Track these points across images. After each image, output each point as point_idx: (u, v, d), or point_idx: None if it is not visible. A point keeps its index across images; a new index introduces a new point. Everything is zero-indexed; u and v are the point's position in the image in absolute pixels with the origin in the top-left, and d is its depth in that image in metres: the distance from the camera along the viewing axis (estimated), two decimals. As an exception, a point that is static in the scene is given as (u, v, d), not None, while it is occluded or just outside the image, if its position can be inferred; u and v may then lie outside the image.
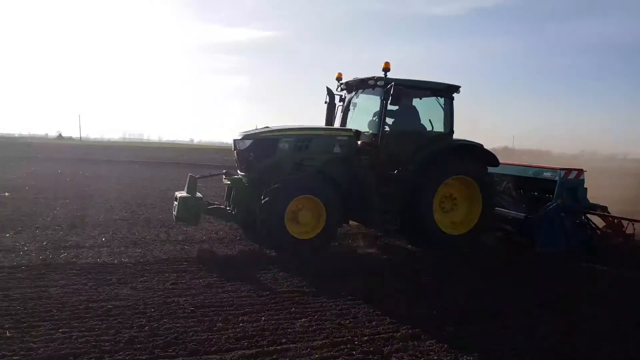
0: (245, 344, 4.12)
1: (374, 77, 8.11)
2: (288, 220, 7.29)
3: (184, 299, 5.15)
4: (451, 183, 8.35)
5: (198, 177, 7.96)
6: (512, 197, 9.77)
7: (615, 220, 8.66)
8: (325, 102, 9.12)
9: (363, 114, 8.75)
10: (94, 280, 5.60)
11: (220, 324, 4.50)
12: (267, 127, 8.21)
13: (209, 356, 3.87)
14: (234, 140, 8.07)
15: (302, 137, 7.92)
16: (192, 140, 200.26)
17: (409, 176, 7.98)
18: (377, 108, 8.19)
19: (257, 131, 8.02)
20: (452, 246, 8.05)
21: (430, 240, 8.09)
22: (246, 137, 7.95)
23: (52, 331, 4.15)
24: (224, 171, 8.67)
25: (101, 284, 5.50)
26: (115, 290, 5.31)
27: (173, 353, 3.88)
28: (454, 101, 8.53)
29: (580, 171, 9.13)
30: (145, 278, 5.80)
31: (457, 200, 8.46)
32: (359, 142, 8.17)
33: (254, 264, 6.71)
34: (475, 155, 8.54)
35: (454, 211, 8.47)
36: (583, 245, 8.48)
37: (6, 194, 12.35)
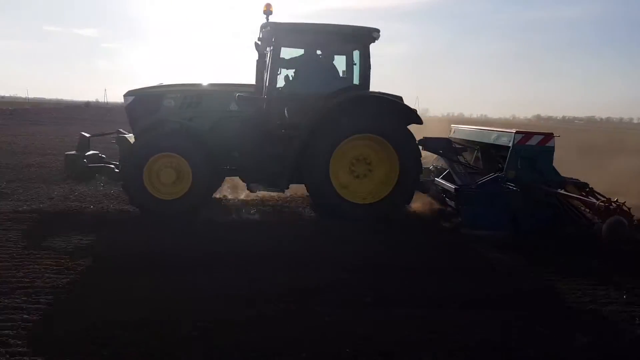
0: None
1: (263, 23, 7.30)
2: (151, 179, 7.03)
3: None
4: (365, 144, 7.29)
5: (91, 136, 8.00)
6: (472, 167, 8.21)
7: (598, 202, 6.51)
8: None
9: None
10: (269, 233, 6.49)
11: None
12: (161, 83, 7.87)
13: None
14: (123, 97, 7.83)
15: (190, 94, 7.54)
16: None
17: (302, 134, 7.09)
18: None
19: (142, 88, 7.73)
20: (355, 217, 7.05)
21: (325, 207, 7.34)
22: (130, 93, 7.66)
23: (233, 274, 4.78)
24: (118, 129, 8.41)
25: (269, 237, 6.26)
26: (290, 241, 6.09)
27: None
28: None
29: (548, 137, 7.25)
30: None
31: (372, 165, 7.34)
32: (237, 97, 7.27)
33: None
34: (389, 111, 7.25)
35: (370, 177, 7.36)
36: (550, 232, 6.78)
37: None
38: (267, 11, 7.15)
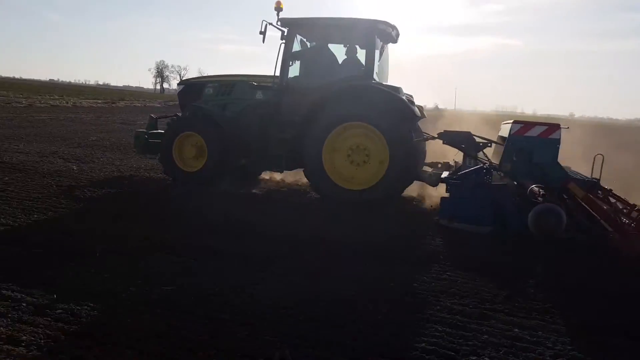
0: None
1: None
2: (181, 154, 8.28)
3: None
4: (363, 132, 7.45)
5: (157, 117, 9.39)
6: (490, 162, 7.43)
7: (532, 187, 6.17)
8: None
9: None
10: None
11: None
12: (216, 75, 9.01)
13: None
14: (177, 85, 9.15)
15: (225, 84, 8.68)
16: (572, 115, 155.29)
17: (300, 120, 7.61)
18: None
19: (190, 78, 9.03)
20: (345, 201, 7.38)
21: (318, 191, 7.79)
22: (181, 83, 9.19)
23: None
24: (176, 113, 9.36)
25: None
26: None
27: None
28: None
29: (552, 128, 6.45)
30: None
31: (369, 154, 7.48)
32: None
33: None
34: (382, 102, 7.33)
35: (367, 165, 7.52)
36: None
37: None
38: (278, 8, 7.86)
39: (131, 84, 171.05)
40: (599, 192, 6.39)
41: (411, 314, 3.81)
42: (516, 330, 3.61)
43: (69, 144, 12.60)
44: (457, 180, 6.69)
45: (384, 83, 8.03)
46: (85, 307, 3.50)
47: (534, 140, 6.60)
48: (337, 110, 7.46)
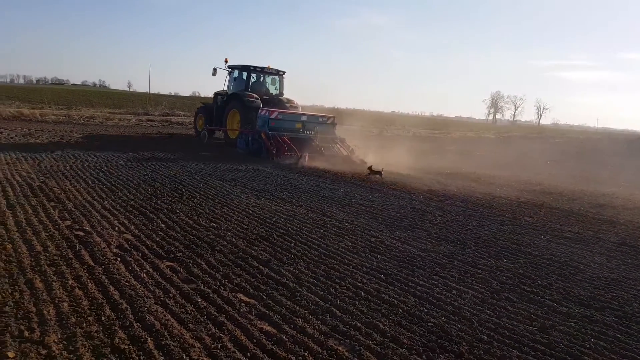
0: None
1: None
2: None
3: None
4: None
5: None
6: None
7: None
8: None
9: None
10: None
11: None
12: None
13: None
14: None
15: (223, 94, 19.20)
16: None
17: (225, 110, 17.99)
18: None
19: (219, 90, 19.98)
20: (229, 144, 17.16)
21: (225, 139, 17.58)
22: (215, 93, 20.17)
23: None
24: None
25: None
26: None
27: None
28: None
29: (268, 110, 15.44)
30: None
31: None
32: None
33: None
34: (238, 101, 17.01)
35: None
36: (257, 152, 15.10)
37: None
38: (225, 60, 18.77)
39: (463, 115, 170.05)
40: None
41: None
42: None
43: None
44: (239, 131, 16.29)
45: (281, 95, 18.71)
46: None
47: (262, 115, 15.46)
48: (231, 104, 17.81)
